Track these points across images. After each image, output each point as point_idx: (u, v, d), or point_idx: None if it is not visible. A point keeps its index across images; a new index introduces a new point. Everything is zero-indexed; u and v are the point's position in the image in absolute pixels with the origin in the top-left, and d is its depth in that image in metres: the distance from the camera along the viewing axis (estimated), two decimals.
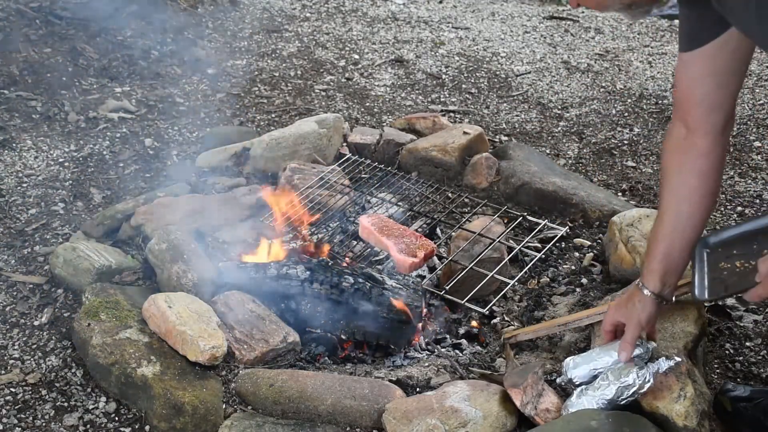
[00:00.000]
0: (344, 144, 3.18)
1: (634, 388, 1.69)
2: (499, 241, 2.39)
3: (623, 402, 1.70)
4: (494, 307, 2.28)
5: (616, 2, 1.32)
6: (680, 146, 1.52)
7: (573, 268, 2.46)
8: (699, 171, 1.51)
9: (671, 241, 1.58)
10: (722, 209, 2.79)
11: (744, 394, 1.86)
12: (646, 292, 1.63)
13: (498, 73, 4.10)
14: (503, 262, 2.33)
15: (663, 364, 1.71)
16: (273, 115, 3.54)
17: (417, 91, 3.87)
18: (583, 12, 5.17)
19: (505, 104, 3.75)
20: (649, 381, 1.69)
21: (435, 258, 2.45)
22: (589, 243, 2.56)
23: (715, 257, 1.67)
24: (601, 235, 2.58)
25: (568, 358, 1.81)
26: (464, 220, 2.61)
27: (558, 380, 1.84)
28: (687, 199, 1.54)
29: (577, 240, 2.58)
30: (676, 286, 1.66)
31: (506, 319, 2.29)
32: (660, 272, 1.61)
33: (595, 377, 1.74)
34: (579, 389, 1.76)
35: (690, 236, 1.57)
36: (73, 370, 2.06)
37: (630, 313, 1.67)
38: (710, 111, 1.45)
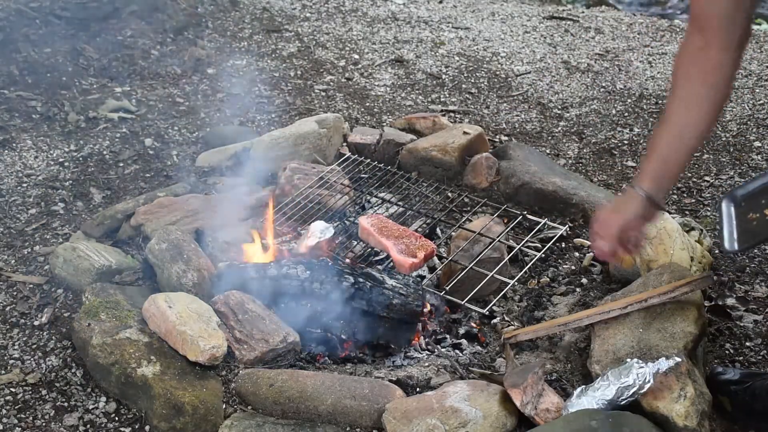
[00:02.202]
0: (344, 144, 3.18)
1: (634, 389, 1.69)
2: (499, 241, 2.39)
3: (623, 402, 1.70)
4: (494, 307, 2.28)
5: None
6: (695, 56, 1.52)
7: (573, 268, 2.46)
8: (710, 82, 1.51)
9: (671, 146, 1.57)
10: None
11: (734, 377, 1.87)
12: (638, 191, 1.60)
13: (498, 73, 4.10)
14: (503, 262, 2.33)
15: (663, 364, 1.70)
16: (273, 115, 3.54)
17: (417, 91, 3.87)
18: (583, 12, 5.17)
19: (505, 104, 3.75)
20: (649, 381, 1.69)
21: (435, 258, 2.45)
22: (589, 243, 2.56)
23: (743, 210, 1.66)
24: None
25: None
26: (464, 219, 2.61)
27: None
28: (695, 107, 1.53)
29: (577, 240, 2.58)
30: (667, 192, 1.63)
31: (506, 319, 2.29)
32: (656, 173, 1.59)
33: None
34: (579, 389, 1.76)
35: (691, 144, 1.57)
36: (73, 370, 2.06)
37: (618, 208, 1.65)
38: (727, 26, 1.46)
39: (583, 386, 1.76)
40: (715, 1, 1.48)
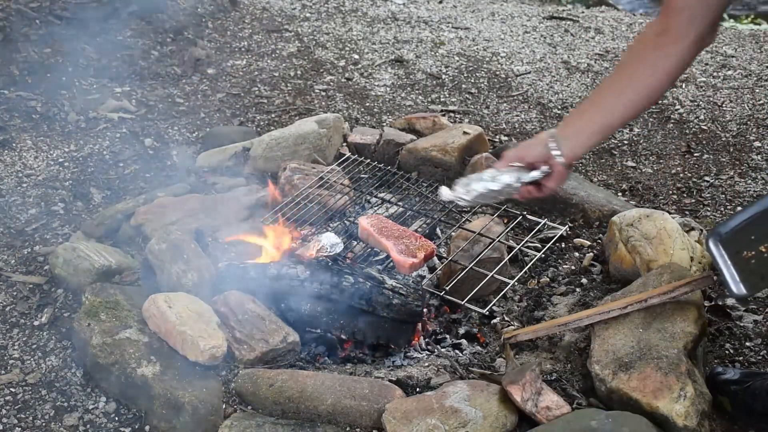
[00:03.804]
0: (344, 144, 3.18)
1: (496, 187, 1.64)
2: (499, 241, 2.39)
3: (490, 195, 1.66)
4: (494, 307, 2.28)
5: None
6: (651, 40, 1.54)
7: (573, 268, 2.46)
8: (656, 68, 1.52)
9: (592, 107, 1.59)
10: (722, 209, 2.79)
11: (734, 377, 1.87)
12: (551, 130, 1.62)
13: (498, 73, 4.10)
14: (503, 262, 2.33)
15: (532, 174, 1.62)
16: (273, 115, 3.54)
17: (417, 91, 3.87)
18: (583, 12, 5.17)
19: (505, 104, 3.75)
20: (516, 185, 1.63)
21: (435, 258, 2.45)
22: (589, 243, 2.56)
23: (733, 247, 1.62)
24: (601, 235, 2.58)
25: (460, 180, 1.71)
26: (464, 219, 2.61)
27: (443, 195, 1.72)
28: (632, 84, 1.54)
29: (577, 240, 2.58)
30: (577, 151, 1.60)
31: (506, 319, 2.29)
32: (568, 122, 1.61)
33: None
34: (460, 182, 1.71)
35: (614, 115, 1.57)
36: (73, 370, 2.06)
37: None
38: (691, 19, 1.48)
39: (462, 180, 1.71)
40: None
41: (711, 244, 1.64)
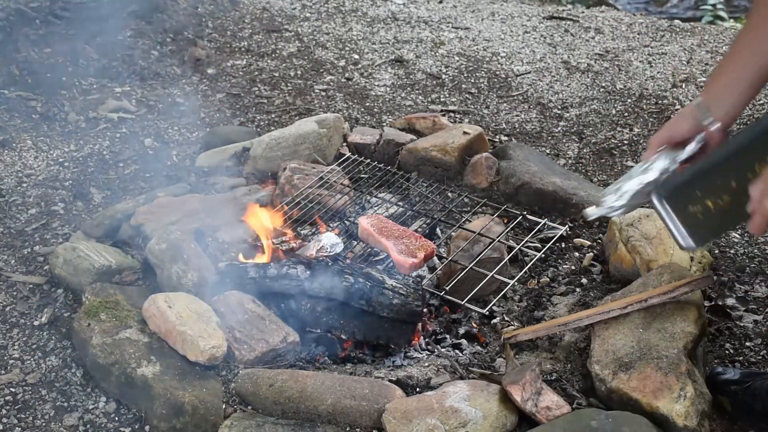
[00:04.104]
0: (344, 144, 3.18)
1: (652, 177, 1.59)
2: (498, 241, 2.39)
3: (646, 190, 1.60)
4: (494, 307, 2.28)
5: None
6: None
7: (573, 268, 2.46)
8: None
9: (733, 65, 1.51)
10: None
11: (734, 377, 1.87)
12: (694, 101, 1.53)
13: (498, 73, 4.10)
14: (503, 262, 2.33)
15: (687, 149, 1.55)
16: (273, 115, 3.54)
17: (417, 91, 3.87)
18: (583, 12, 5.17)
19: (505, 104, 3.75)
20: (673, 167, 1.58)
21: (435, 258, 2.45)
22: (589, 243, 2.56)
23: (678, 203, 1.59)
24: (601, 235, 2.58)
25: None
26: (464, 220, 2.61)
27: (590, 212, 1.65)
28: (763, 41, 1.46)
29: (577, 240, 2.58)
30: (733, 110, 1.51)
31: (506, 319, 2.29)
32: (711, 87, 1.52)
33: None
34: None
35: (758, 70, 1.47)
36: (73, 370, 2.06)
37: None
38: None
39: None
40: None
41: (655, 200, 1.60)
